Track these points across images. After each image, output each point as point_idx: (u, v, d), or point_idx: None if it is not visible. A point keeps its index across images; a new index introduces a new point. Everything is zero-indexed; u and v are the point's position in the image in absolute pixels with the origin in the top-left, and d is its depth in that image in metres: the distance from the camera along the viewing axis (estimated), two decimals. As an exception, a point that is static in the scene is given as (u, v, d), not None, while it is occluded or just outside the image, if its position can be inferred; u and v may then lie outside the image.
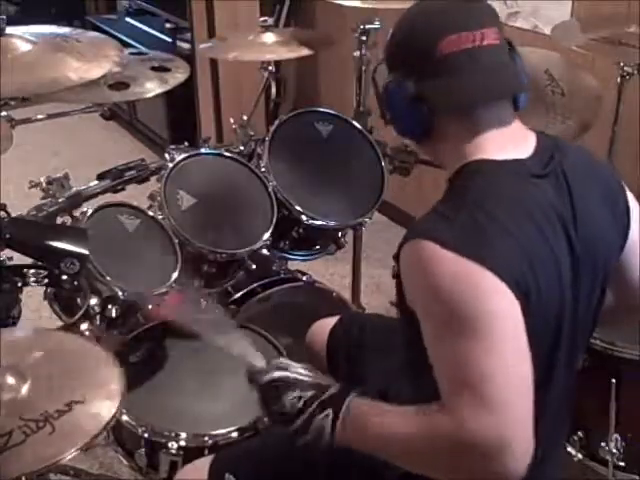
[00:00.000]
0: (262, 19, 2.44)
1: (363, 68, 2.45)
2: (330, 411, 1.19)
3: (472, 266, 1.09)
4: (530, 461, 1.08)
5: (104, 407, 1.27)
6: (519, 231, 1.16)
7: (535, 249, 1.17)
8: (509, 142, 1.23)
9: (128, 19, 4.53)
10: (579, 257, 1.23)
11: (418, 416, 1.12)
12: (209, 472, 1.42)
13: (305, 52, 2.33)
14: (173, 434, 1.60)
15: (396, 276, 1.22)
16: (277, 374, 1.26)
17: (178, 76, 2.15)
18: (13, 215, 1.75)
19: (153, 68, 2.17)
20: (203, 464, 1.45)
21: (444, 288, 1.10)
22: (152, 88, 2.11)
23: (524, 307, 1.12)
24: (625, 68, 2.19)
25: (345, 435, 1.18)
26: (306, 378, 1.25)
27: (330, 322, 1.83)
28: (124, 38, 4.08)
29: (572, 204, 1.23)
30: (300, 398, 1.22)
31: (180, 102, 3.79)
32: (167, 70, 2.18)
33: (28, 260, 1.56)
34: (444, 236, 1.12)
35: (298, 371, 1.26)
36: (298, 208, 2.07)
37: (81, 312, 1.77)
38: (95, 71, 1.51)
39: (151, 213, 1.93)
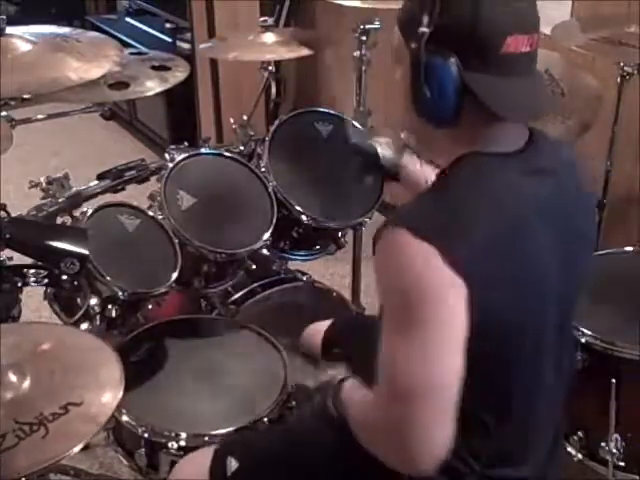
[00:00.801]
0: (262, 19, 2.44)
1: (363, 68, 2.44)
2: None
3: (434, 254, 1.08)
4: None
5: (101, 409, 1.27)
6: (497, 227, 1.14)
7: (515, 251, 1.16)
8: (509, 135, 1.23)
9: (128, 19, 4.53)
10: (565, 252, 1.23)
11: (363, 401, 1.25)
12: (212, 457, 1.43)
13: (305, 52, 2.33)
14: (173, 434, 1.60)
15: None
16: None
17: (178, 75, 2.15)
18: (13, 215, 1.75)
19: (153, 67, 2.18)
20: (204, 453, 1.47)
21: (405, 277, 1.10)
22: (152, 87, 2.11)
23: (484, 306, 1.11)
24: (625, 68, 2.20)
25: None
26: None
27: (324, 325, 1.83)
28: (124, 38, 4.07)
29: (561, 198, 1.24)
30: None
31: (180, 102, 3.78)
32: (167, 69, 2.18)
33: (28, 260, 1.57)
34: (416, 223, 1.11)
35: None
36: (298, 208, 2.06)
37: (81, 312, 1.77)
38: (95, 71, 1.51)
39: (151, 213, 1.93)
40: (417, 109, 1.20)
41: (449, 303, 1.10)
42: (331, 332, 1.81)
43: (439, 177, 1.25)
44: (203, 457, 1.45)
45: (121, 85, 2.09)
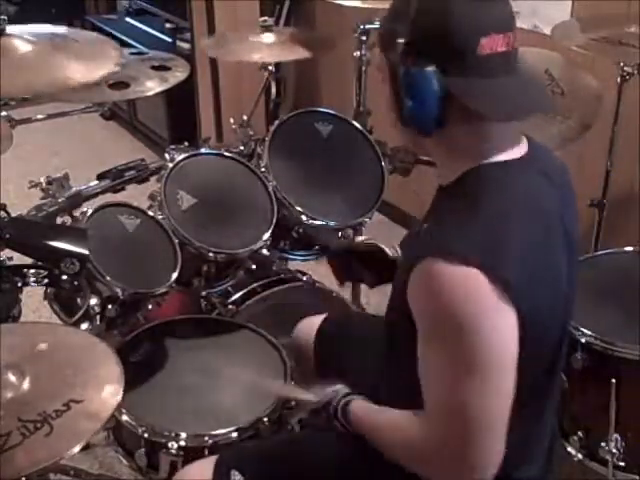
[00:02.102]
0: (262, 19, 2.44)
1: (363, 68, 2.44)
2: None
3: (481, 279, 1.09)
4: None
5: (103, 406, 1.27)
6: (530, 244, 1.16)
7: (547, 259, 1.19)
8: (511, 141, 1.24)
9: (128, 19, 4.53)
10: (569, 253, 1.25)
11: (400, 431, 1.26)
12: (214, 470, 1.42)
13: (304, 54, 2.32)
14: (173, 434, 1.60)
15: (397, 283, 1.22)
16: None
17: (178, 75, 2.15)
18: (13, 215, 1.75)
19: (153, 67, 2.17)
20: (205, 464, 1.45)
21: (456, 311, 1.10)
22: (152, 87, 2.11)
23: (529, 319, 1.13)
24: (625, 68, 2.19)
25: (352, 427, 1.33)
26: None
27: (317, 320, 1.82)
28: (124, 38, 4.08)
29: (562, 200, 1.26)
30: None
31: (180, 102, 3.78)
32: (167, 69, 2.17)
33: (28, 260, 1.57)
34: (462, 251, 1.11)
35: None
36: (298, 208, 2.07)
37: (81, 312, 1.77)
38: (95, 71, 1.51)
39: (151, 213, 1.93)
40: (402, 120, 1.21)
41: (503, 325, 1.12)
42: (323, 334, 1.79)
43: (450, 194, 1.24)
44: (204, 468, 1.44)
45: (121, 85, 2.09)
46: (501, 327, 1.11)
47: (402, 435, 1.25)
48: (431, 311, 1.14)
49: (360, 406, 1.35)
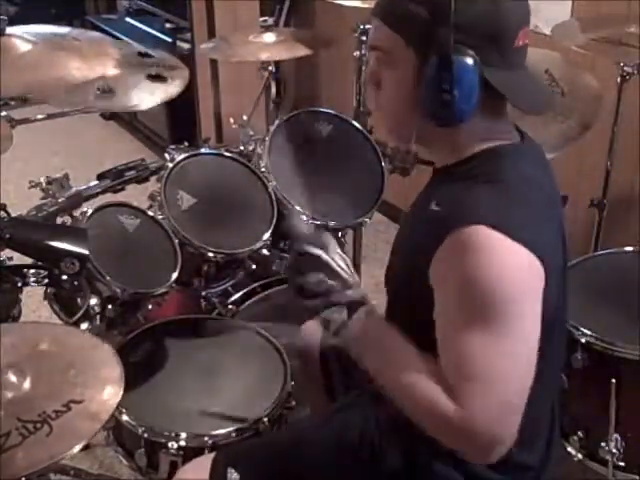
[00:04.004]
0: (262, 19, 2.44)
1: (363, 68, 2.45)
2: (345, 313, 1.20)
3: (528, 258, 1.10)
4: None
5: (103, 407, 1.27)
6: (544, 218, 1.18)
7: (553, 235, 1.21)
8: (510, 128, 1.26)
9: (128, 19, 4.52)
10: (564, 236, 1.27)
11: (426, 386, 1.12)
12: (211, 468, 1.42)
13: (304, 52, 2.33)
14: (173, 434, 1.60)
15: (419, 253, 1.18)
16: (314, 250, 1.24)
17: (171, 90, 2.07)
18: (13, 215, 1.75)
19: (150, 76, 2.09)
20: (203, 461, 1.45)
21: (492, 275, 1.09)
22: (140, 101, 2.05)
23: (547, 292, 1.13)
24: (625, 68, 2.19)
25: (355, 343, 1.22)
26: (336, 267, 1.23)
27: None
28: (124, 38, 4.07)
29: (551, 184, 1.27)
30: (323, 282, 1.21)
31: (180, 102, 3.77)
32: (163, 79, 2.09)
33: (28, 260, 1.56)
34: (500, 221, 1.10)
35: (334, 257, 1.24)
36: (298, 208, 2.07)
37: (81, 312, 1.77)
38: (96, 70, 1.51)
39: (151, 213, 1.93)
40: (426, 112, 1.17)
41: (537, 293, 1.11)
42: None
43: (471, 169, 1.22)
44: (201, 467, 1.44)
45: (110, 94, 2.04)
46: (537, 294, 1.11)
47: (432, 390, 1.12)
48: (463, 272, 1.10)
49: (383, 330, 1.22)
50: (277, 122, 2.18)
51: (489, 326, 1.09)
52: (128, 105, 2.08)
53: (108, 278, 1.73)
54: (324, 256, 1.23)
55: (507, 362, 1.09)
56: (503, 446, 1.10)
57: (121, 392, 1.30)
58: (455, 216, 1.13)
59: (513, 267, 1.10)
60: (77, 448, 1.21)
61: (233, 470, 1.38)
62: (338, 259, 1.24)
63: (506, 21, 1.14)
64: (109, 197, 2.04)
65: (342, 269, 1.24)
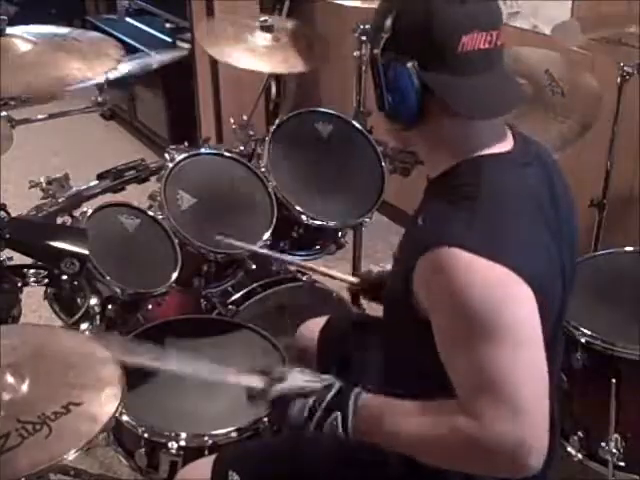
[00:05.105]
0: (262, 19, 2.44)
1: (363, 68, 2.44)
2: (338, 414, 1.21)
3: (501, 271, 1.10)
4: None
5: (102, 409, 1.27)
6: (530, 229, 1.18)
7: (543, 246, 1.20)
8: (497, 135, 1.25)
9: (128, 19, 4.52)
10: (562, 243, 1.25)
11: (433, 416, 1.15)
12: (212, 470, 1.42)
13: (302, 68, 2.29)
14: (173, 434, 1.60)
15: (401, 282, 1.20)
16: (275, 392, 1.28)
17: None
18: (13, 215, 1.75)
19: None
20: (205, 464, 1.45)
21: (474, 294, 1.10)
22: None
23: (543, 309, 1.13)
24: (625, 68, 2.19)
25: (360, 432, 1.21)
26: (305, 384, 1.26)
27: (320, 321, 1.82)
28: (124, 38, 4.07)
29: (552, 189, 1.27)
30: (305, 407, 1.24)
31: (180, 102, 3.78)
32: None
33: (28, 260, 1.57)
34: (468, 241, 1.11)
35: (295, 381, 1.27)
36: (298, 208, 2.07)
37: (81, 312, 1.77)
38: (97, 70, 1.52)
39: (151, 213, 1.93)
40: (384, 113, 1.24)
41: (529, 313, 1.12)
42: (326, 336, 1.79)
43: (450, 185, 1.23)
44: (202, 469, 1.44)
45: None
46: (522, 299, 1.12)
47: (447, 419, 1.13)
48: (447, 297, 1.12)
49: (374, 401, 1.23)
50: (277, 122, 2.18)
51: (486, 338, 1.10)
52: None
53: (108, 278, 1.73)
54: (288, 387, 1.27)
55: (514, 367, 1.09)
56: (537, 453, 1.09)
57: (120, 394, 1.30)
58: (430, 235, 1.16)
59: (486, 284, 1.10)
60: (79, 449, 1.20)
61: (234, 473, 1.38)
62: (298, 376, 1.28)
63: (441, 28, 1.16)
64: (109, 197, 2.04)
65: (308, 381, 1.27)
